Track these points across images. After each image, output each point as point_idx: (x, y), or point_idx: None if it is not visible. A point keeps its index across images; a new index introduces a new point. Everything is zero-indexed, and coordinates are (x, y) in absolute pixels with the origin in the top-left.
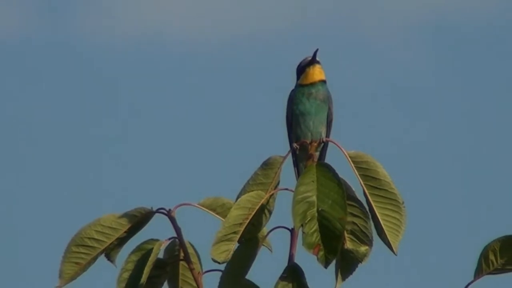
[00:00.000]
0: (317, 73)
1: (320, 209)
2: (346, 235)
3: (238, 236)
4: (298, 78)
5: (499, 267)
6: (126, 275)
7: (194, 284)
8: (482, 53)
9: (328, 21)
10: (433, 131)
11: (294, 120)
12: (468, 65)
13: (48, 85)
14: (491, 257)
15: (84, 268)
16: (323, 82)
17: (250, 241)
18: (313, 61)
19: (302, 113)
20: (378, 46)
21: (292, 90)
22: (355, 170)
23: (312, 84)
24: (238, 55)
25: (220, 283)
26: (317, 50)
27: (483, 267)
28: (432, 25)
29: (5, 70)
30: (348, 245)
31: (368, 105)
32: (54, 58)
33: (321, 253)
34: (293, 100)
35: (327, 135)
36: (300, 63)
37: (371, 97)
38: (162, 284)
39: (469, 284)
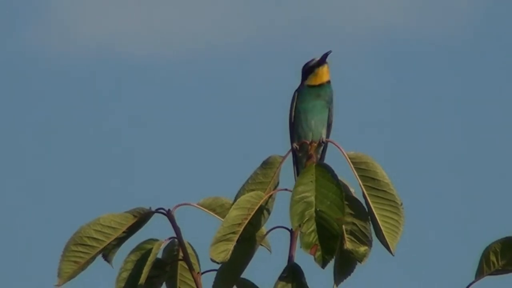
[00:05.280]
0: (325, 73)
1: (318, 209)
2: (345, 235)
3: (237, 236)
4: (303, 77)
5: (500, 268)
6: (125, 274)
7: (193, 285)
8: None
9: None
10: (431, 131)
11: (297, 119)
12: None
13: (40, 88)
14: (492, 258)
15: (83, 267)
16: (329, 82)
17: (247, 241)
18: (322, 61)
19: (305, 111)
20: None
21: (297, 90)
22: (354, 171)
23: (320, 86)
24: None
25: (215, 281)
26: (329, 52)
27: (484, 268)
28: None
29: None
30: (348, 245)
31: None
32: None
33: (318, 253)
34: (298, 98)
35: (327, 136)
36: (308, 63)
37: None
38: (161, 284)
39: (470, 285)
